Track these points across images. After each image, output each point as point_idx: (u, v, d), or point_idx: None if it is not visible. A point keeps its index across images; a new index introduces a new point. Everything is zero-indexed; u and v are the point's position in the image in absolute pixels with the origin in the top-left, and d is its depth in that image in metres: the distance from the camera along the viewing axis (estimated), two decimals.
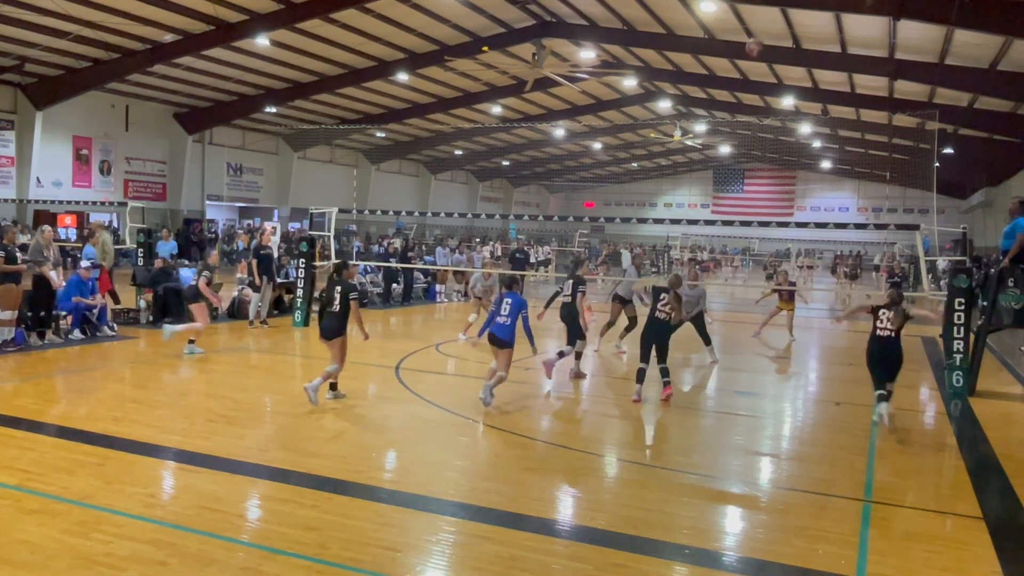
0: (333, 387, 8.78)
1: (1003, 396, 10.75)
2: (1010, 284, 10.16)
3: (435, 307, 20.50)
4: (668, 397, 9.28)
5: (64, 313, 12.34)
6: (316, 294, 16.52)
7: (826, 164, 50.82)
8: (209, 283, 11.75)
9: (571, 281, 10.93)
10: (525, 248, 30.62)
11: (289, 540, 4.93)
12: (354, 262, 20.80)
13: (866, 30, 20.78)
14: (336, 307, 8.59)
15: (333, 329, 8.56)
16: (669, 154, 54.03)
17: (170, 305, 14.37)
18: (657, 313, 9.34)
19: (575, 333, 10.60)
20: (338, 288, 8.61)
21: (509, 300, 8.98)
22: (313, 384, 8.38)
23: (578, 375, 10.83)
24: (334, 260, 18.02)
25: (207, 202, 36.58)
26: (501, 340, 8.85)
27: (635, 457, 7.44)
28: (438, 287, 22.04)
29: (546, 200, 64.75)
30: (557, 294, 11.24)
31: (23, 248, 13.01)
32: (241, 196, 38.87)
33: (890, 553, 5.11)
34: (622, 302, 13.31)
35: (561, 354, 10.51)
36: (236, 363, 11.37)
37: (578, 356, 10.81)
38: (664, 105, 37.18)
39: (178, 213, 33.86)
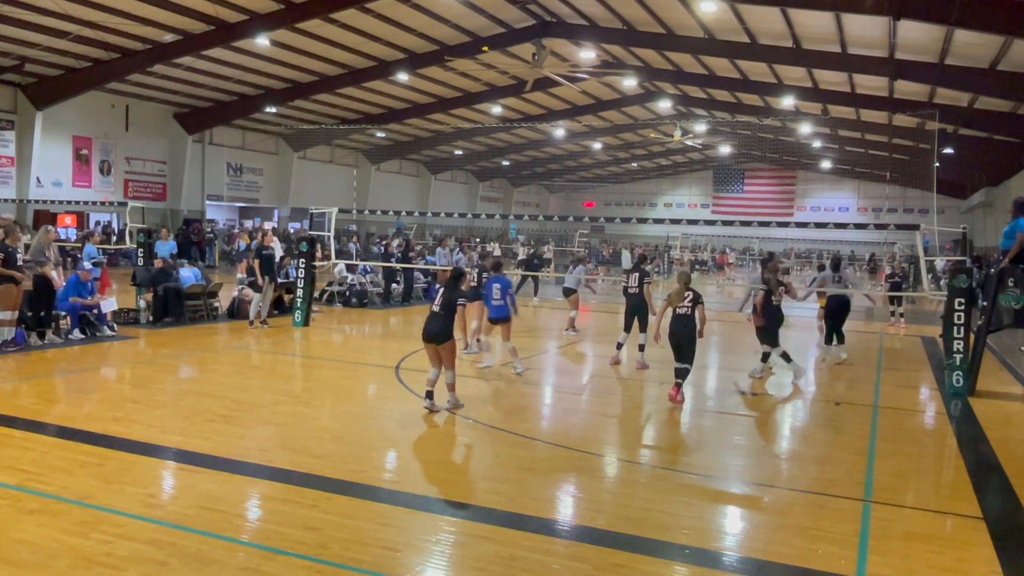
0: (430, 395, 8.43)
1: (1003, 396, 10.75)
2: (1010, 284, 10.16)
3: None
4: (672, 398, 9.12)
5: (63, 313, 12.34)
6: (316, 294, 16.57)
7: (826, 164, 50.84)
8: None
9: (637, 274, 11.74)
10: (540, 251, 30.59)
11: (289, 540, 4.93)
12: (352, 262, 20.91)
13: (866, 30, 20.78)
14: (438, 308, 8.45)
15: (439, 332, 8.33)
16: (669, 154, 54.03)
17: (170, 305, 14.38)
18: (678, 310, 9.13)
19: (644, 323, 11.45)
20: (448, 295, 8.56)
21: (498, 284, 10.38)
22: (439, 404, 8.34)
23: (616, 363, 11.73)
24: (334, 260, 18.09)
25: (207, 202, 36.60)
26: (499, 319, 10.31)
27: (635, 457, 7.44)
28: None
29: (546, 200, 64.77)
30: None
31: (24, 248, 12.99)
32: (241, 196, 38.89)
33: (890, 553, 5.11)
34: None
35: (620, 345, 11.66)
36: (236, 363, 11.36)
37: (641, 348, 11.64)
38: (664, 105, 37.19)
39: (178, 213, 33.87)
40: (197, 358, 11.25)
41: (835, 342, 12.93)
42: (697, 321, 9.06)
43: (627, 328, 11.67)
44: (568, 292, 15.56)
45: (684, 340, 9.05)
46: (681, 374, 9.14)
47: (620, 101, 36.89)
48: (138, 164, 32.70)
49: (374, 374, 10.68)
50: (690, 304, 9.03)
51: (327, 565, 4.61)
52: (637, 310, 11.57)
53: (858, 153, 42.26)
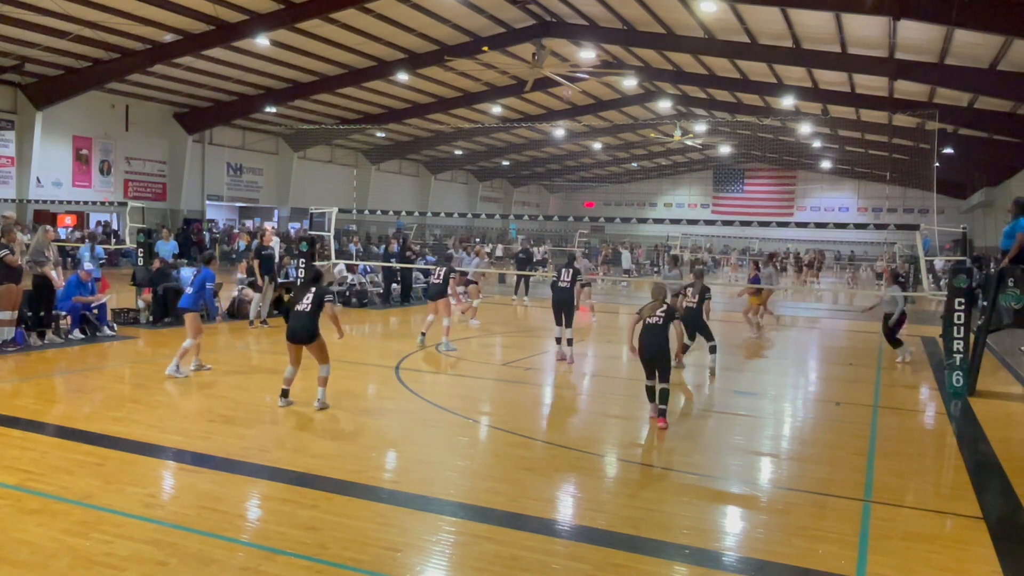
0: (285, 393, 8.53)
1: (1003, 396, 10.75)
2: (1010, 284, 10.15)
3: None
4: (663, 427, 8.13)
5: (63, 313, 12.34)
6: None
7: (826, 164, 50.83)
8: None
9: (570, 270, 11.95)
10: (528, 248, 30.61)
11: (289, 540, 4.93)
12: (353, 262, 20.91)
13: (866, 30, 20.79)
14: (305, 307, 8.39)
15: (305, 331, 8.36)
16: (669, 154, 54.04)
17: (170, 305, 14.36)
18: (650, 319, 8.21)
19: (570, 318, 11.73)
20: (312, 290, 8.46)
21: (196, 273, 10.32)
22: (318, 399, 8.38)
23: (562, 359, 11.90)
24: (333, 260, 18.13)
25: (207, 202, 36.61)
26: (181, 308, 10.17)
27: (635, 457, 7.44)
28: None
29: (546, 200, 64.77)
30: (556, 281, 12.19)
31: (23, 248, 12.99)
32: (241, 196, 38.88)
33: (890, 553, 5.11)
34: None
35: (559, 340, 11.91)
36: (236, 363, 11.36)
37: (569, 342, 11.84)
38: (664, 105, 37.20)
39: (178, 213, 33.87)
40: (201, 357, 11.22)
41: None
42: (671, 338, 8.24)
43: (558, 321, 11.92)
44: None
45: (657, 354, 8.15)
46: (664, 398, 8.15)
47: (620, 101, 36.89)
48: (138, 164, 32.70)
49: (374, 374, 10.68)
50: (663, 315, 8.21)
51: (327, 565, 4.61)
52: (564, 304, 11.78)
53: (858, 153, 42.25)
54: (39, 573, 4.41)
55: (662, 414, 8.18)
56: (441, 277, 13.23)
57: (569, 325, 11.77)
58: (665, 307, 8.29)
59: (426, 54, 27.94)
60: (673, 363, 8.35)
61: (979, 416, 9.28)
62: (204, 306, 10.60)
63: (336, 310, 8.68)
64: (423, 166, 50.58)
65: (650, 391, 8.33)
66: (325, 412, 8.27)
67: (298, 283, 15.16)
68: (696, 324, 11.53)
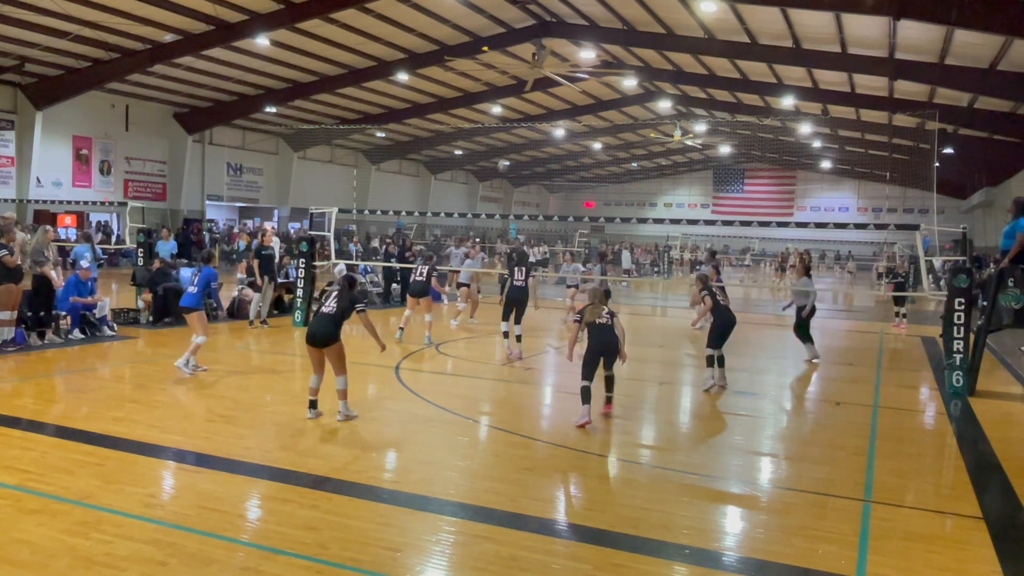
0: (313, 404, 8.07)
1: (1003, 396, 10.76)
2: (1010, 284, 10.16)
3: (434, 307, 20.45)
4: (607, 414, 8.38)
5: (63, 313, 12.34)
6: (316, 294, 16.57)
7: (826, 164, 50.85)
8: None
9: (524, 267, 12.44)
10: (520, 248, 30.55)
11: (289, 540, 4.93)
12: (353, 262, 20.92)
13: (866, 30, 20.80)
14: (329, 311, 8.08)
15: (326, 334, 7.92)
16: (669, 154, 54.06)
17: (170, 305, 14.36)
18: (599, 320, 8.28)
19: (521, 315, 12.23)
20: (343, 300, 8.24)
21: (197, 272, 10.34)
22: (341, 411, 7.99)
23: (511, 356, 12.12)
24: (333, 260, 18.12)
25: (207, 202, 36.61)
26: (185, 307, 10.17)
27: (635, 457, 7.44)
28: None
29: (546, 200, 64.78)
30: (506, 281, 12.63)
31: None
32: (241, 196, 38.89)
33: (890, 553, 5.11)
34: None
35: (506, 334, 12.23)
36: (236, 363, 11.36)
37: (518, 339, 12.27)
38: (664, 105, 37.22)
39: (178, 213, 33.87)
40: (197, 358, 11.22)
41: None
42: (619, 336, 8.28)
43: (506, 317, 12.20)
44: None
45: (611, 350, 8.27)
46: (610, 385, 8.49)
47: (620, 101, 36.91)
48: (138, 164, 32.70)
49: (374, 374, 10.67)
50: (608, 316, 8.33)
51: (327, 565, 4.61)
52: (520, 302, 12.21)
53: (858, 153, 42.28)
54: (39, 573, 4.41)
55: (609, 400, 8.52)
56: (424, 275, 13.37)
57: (518, 322, 12.20)
58: (606, 309, 8.41)
59: (426, 54, 27.95)
60: (621, 361, 8.46)
61: (979, 416, 9.28)
62: (212, 305, 10.57)
63: (370, 320, 8.43)
64: (423, 166, 50.59)
65: (585, 392, 8.06)
66: (325, 412, 8.23)
67: (299, 283, 15.14)
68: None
